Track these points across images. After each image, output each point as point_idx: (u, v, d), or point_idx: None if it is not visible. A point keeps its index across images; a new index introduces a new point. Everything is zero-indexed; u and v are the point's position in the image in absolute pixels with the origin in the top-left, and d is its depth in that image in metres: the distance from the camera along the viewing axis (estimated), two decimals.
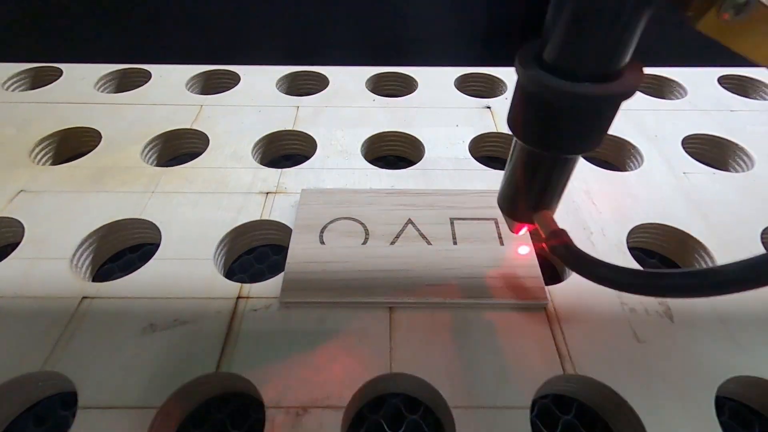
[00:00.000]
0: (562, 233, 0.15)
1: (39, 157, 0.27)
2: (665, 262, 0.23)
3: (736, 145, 0.28)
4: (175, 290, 0.19)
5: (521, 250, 0.20)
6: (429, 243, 0.21)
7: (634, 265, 0.21)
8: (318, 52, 0.46)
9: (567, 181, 0.16)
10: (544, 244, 0.16)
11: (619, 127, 0.29)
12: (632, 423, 0.16)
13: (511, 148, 0.16)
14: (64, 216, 0.23)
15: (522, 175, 0.16)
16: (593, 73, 0.12)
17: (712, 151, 0.29)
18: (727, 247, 0.21)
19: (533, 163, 0.15)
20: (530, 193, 0.16)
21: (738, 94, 0.33)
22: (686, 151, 0.28)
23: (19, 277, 0.20)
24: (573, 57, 0.12)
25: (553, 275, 0.22)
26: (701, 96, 0.33)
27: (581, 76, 0.12)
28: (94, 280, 0.21)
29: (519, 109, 0.14)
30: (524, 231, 0.18)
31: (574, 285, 0.20)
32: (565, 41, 0.12)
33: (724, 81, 0.35)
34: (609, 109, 0.13)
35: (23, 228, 0.22)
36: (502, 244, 0.21)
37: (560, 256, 0.15)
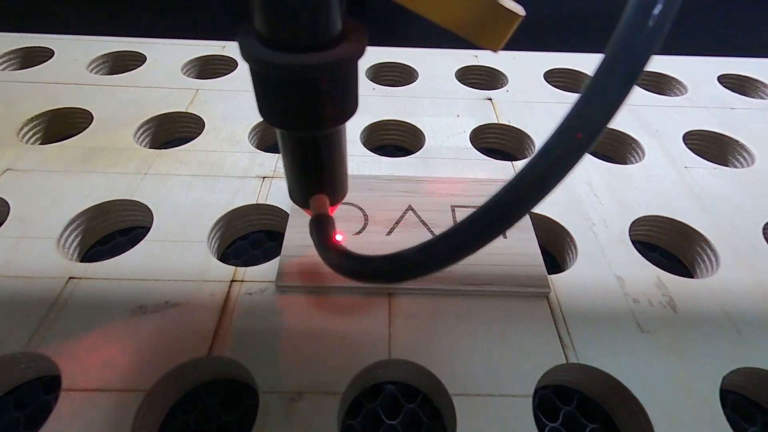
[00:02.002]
0: (325, 218, 0.15)
1: (27, 136, 0.26)
2: (666, 256, 0.23)
3: (737, 141, 0.28)
4: (166, 272, 0.19)
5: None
6: (429, 230, 0.20)
7: (637, 256, 0.20)
8: None
9: (336, 159, 0.15)
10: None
11: (620, 121, 0.29)
12: (636, 414, 0.15)
13: None
14: (51, 196, 0.22)
15: (286, 159, 0.15)
16: (302, 42, 0.11)
17: (713, 147, 0.29)
18: (729, 240, 0.21)
19: (291, 145, 0.15)
20: (303, 176, 0.16)
21: (738, 93, 0.33)
22: (687, 147, 0.27)
23: (2, 255, 0.19)
24: (274, 25, 0.11)
25: (555, 264, 0.22)
26: (701, 94, 0.33)
27: (292, 46, 0.11)
28: (82, 262, 0.20)
29: (254, 88, 0.13)
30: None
31: (577, 275, 0.19)
32: (258, 8, 0.11)
33: (724, 80, 0.35)
34: (334, 78, 0.12)
35: (9, 207, 0.21)
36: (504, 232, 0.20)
37: (312, 239, 0.15)
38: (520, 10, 0.14)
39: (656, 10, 0.08)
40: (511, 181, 0.10)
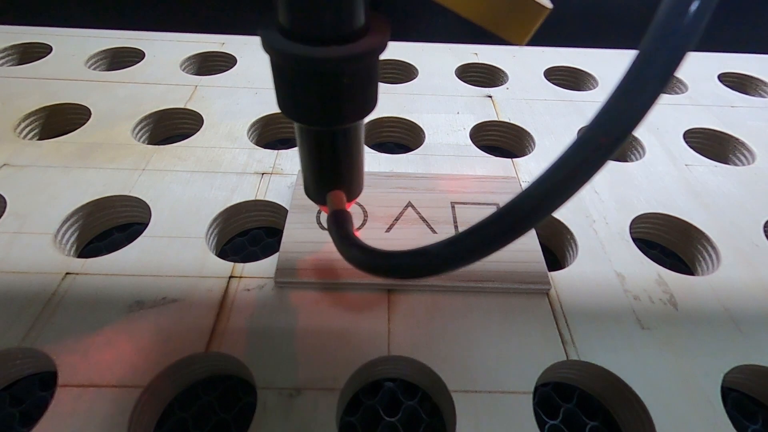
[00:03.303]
0: (343, 214, 0.15)
1: (25, 131, 0.26)
2: (666, 253, 0.22)
3: (737, 140, 0.28)
4: (164, 268, 0.19)
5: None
6: (429, 226, 0.20)
7: (637, 253, 0.20)
8: None
9: (354, 154, 0.15)
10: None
11: None
12: (637, 411, 0.15)
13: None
14: (48, 191, 0.22)
15: (303, 154, 0.15)
16: (324, 35, 0.11)
17: (714, 145, 0.29)
18: (729, 237, 0.21)
19: (310, 140, 0.15)
20: (320, 172, 0.15)
21: (738, 91, 0.33)
22: (688, 145, 0.27)
23: None
24: (296, 17, 0.11)
25: (556, 261, 0.21)
26: (702, 92, 0.33)
27: (314, 39, 0.11)
28: (79, 257, 0.20)
29: (275, 81, 0.13)
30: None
31: (577, 272, 0.19)
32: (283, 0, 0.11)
33: (724, 78, 0.35)
34: (355, 72, 0.12)
35: (5, 202, 0.21)
36: None
37: (331, 236, 0.14)
38: (547, 3, 0.14)
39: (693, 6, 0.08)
40: (538, 179, 0.10)
